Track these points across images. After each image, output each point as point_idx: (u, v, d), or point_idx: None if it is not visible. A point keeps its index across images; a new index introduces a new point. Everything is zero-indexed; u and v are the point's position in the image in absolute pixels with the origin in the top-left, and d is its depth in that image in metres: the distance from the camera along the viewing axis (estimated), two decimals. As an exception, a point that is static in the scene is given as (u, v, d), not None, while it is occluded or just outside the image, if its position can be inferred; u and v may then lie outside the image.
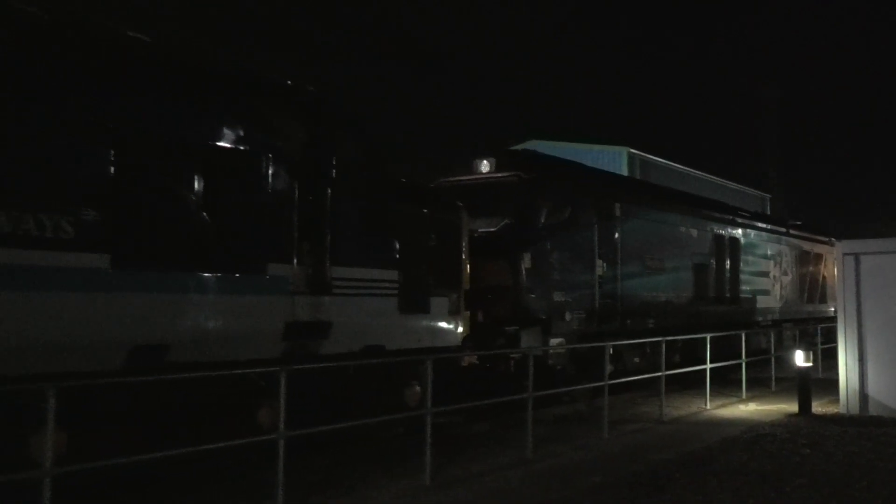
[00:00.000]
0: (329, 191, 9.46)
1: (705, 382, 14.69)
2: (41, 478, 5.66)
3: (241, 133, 8.56)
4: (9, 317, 6.49)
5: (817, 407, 14.10)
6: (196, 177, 8.01)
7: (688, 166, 44.33)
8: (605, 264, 15.28)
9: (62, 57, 7.24)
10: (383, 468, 9.00)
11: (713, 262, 19.77)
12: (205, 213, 8.05)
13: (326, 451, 9.49)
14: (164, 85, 8.03)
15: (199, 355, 7.90)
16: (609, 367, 12.25)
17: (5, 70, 6.74)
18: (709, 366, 14.77)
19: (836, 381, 14.19)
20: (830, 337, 16.78)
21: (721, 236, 20.25)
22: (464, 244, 11.76)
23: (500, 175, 14.27)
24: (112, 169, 7.27)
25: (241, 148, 8.54)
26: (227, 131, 8.45)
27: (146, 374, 7.27)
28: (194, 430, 7.66)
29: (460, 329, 11.55)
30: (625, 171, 36.66)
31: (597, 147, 39.02)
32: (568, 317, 14.24)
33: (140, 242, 7.49)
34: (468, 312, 11.82)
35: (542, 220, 14.06)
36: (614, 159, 37.79)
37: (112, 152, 7.27)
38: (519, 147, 32.81)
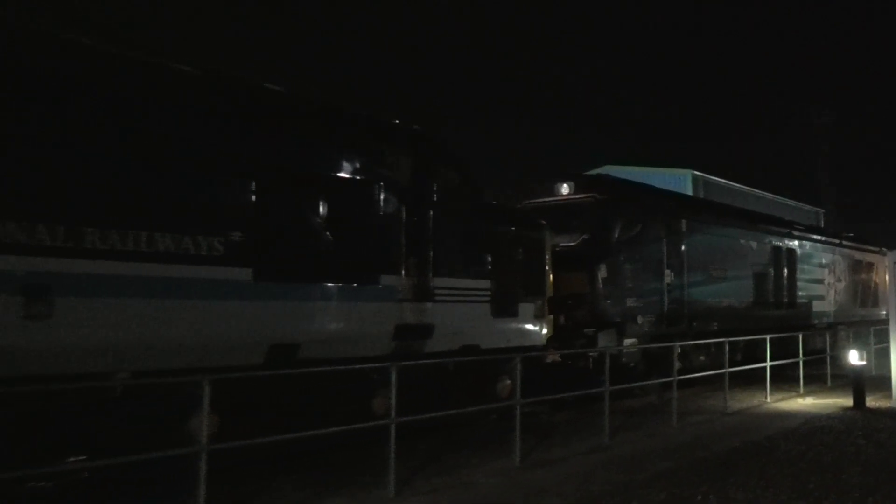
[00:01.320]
0: (431, 213, 9.55)
1: (765, 379, 14.09)
2: (199, 452, 5.87)
3: (358, 165, 8.76)
4: (175, 320, 6.81)
5: (871, 401, 13.29)
6: (322, 203, 8.23)
7: (747, 185, 42.71)
8: (672, 273, 14.95)
9: (212, 105, 7.59)
10: (478, 451, 8.96)
11: (772, 270, 19.02)
12: (328, 233, 8.26)
13: (430, 436, 9.53)
14: (294, 127, 8.30)
15: (323, 353, 8.08)
16: (677, 365, 11.92)
17: (173, 118, 7.11)
18: (769, 363, 14.18)
19: (888, 378, 13.42)
20: (882, 337, 15.87)
21: (778, 247, 19.47)
22: (547, 257, 11.67)
23: (577, 196, 14.12)
24: (253, 198, 7.56)
25: (358, 178, 8.74)
26: (346, 164, 8.67)
27: (282, 369, 7.47)
28: (320, 416, 7.82)
29: (545, 331, 11.43)
30: (689, 192, 35.60)
31: (664, 170, 38.00)
32: (640, 320, 13.98)
33: (276, 259, 7.74)
34: (551, 316, 11.69)
35: (616, 236, 13.88)
36: (680, 181, 36.72)
37: (253, 184, 7.57)
38: (594, 172, 32.31)
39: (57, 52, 6.55)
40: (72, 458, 6.48)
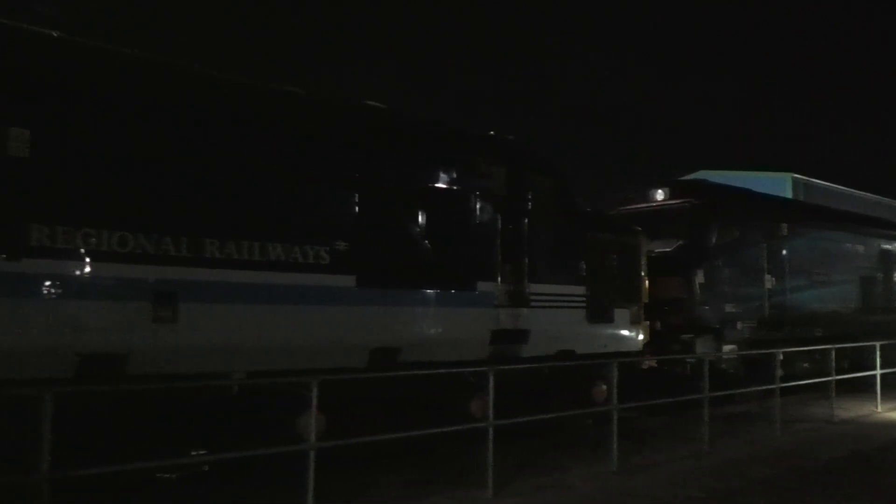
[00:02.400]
0: (525, 220, 9.52)
1: (874, 387, 13.19)
2: (308, 450, 6.05)
3: (454, 176, 8.85)
4: (286, 325, 7.08)
5: None
6: (420, 213, 8.37)
7: (851, 187, 40.22)
8: (773, 278, 14.28)
9: (319, 125, 7.87)
10: (574, 455, 8.82)
11: (879, 274, 17.82)
12: (427, 242, 8.37)
13: (526, 439, 9.45)
14: (393, 142, 8.47)
15: (422, 357, 8.17)
16: (779, 372, 11.35)
17: (286, 138, 7.43)
18: (878, 371, 13.27)
19: None
20: None
21: (887, 251, 18.22)
22: (642, 263, 11.39)
23: (673, 202, 13.71)
24: (357, 210, 7.78)
25: (455, 188, 8.82)
26: (443, 176, 8.77)
27: (383, 371, 7.61)
28: (419, 417, 7.90)
29: (641, 336, 11.14)
30: (789, 195, 33.86)
31: (761, 174, 36.30)
32: (739, 326, 13.41)
33: (378, 266, 7.91)
34: (647, 322, 11.39)
35: (713, 241, 13.38)
36: (779, 185, 34.97)
37: (357, 197, 7.78)
38: (689, 177, 31.25)
39: (185, 82, 7.00)
40: (193, 452, 6.82)
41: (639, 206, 13.83)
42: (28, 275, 5.73)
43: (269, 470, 7.04)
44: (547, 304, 9.64)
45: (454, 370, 7.99)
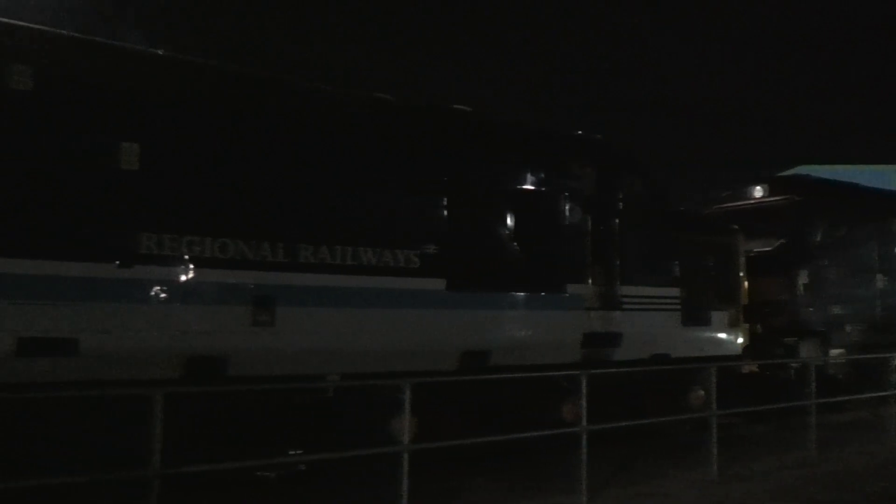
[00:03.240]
0: (616, 221, 9.36)
1: None
2: (401, 452, 6.14)
3: (543, 178, 8.81)
4: (378, 328, 7.23)
5: None
6: (510, 216, 8.38)
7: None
8: (885, 278, 13.42)
9: (410, 130, 8.01)
10: (671, 462, 8.58)
11: None
12: (516, 245, 8.37)
13: (619, 445, 9.26)
14: (481, 145, 8.51)
15: (513, 360, 8.16)
16: (894, 377, 10.67)
17: (379, 144, 7.60)
18: None
19: None
20: None
21: None
22: (740, 263, 10.98)
23: (772, 199, 13.11)
24: (446, 213, 7.87)
25: (544, 190, 8.78)
26: (531, 177, 8.75)
27: (474, 375, 7.65)
28: (510, 421, 7.88)
29: (740, 340, 10.73)
30: (901, 188, 31.75)
31: (868, 167, 34.26)
32: (848, 328, 12.69)
33: (468, 270, 7.96)
34: (747, 325, 10.96)
35: (817, 239, 12.71)
36: (890, 178, 32.93)
37: (446, 201, 7.88)
38: (789, 173, 29.83)
39: (281, 94, 7.33)
40: (291, 452, 7.04)
41: (735, 203, 13.32)
42: (139, 281, 6.09)
43: (362, 471, 7.18)
44: (640, 306, 9.43)
45: (546, 373, 7.93)
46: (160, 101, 6.44)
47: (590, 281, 8.95)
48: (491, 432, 6.98)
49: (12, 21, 6.07)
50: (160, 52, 6.77)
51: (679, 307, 9.87)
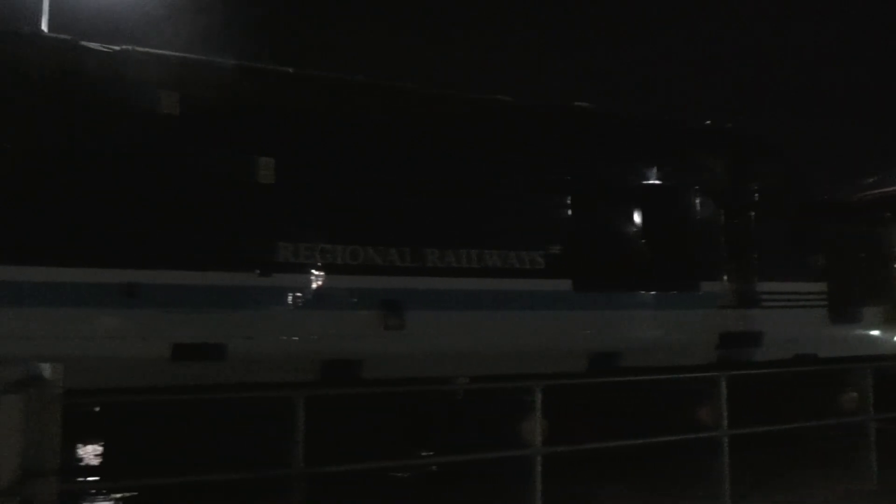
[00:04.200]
0: (753, 213, 8.92)
1: None
2: (533, 455, 6.13)
3: (672, 171, 8.55)
4: (504, 330, 7.26)
5: None
6: (636, 212, 8.19)
7: None
8: None
9: (532, 129, 8.01)
10: (821, 470, 8.05)
11: None
12: (643, 241, 8.16)
13: (761, 450, 8.79)
14: (607, 140, 8.36)
15: (644, 361, 7.94)
16: None
17: (501, 145, 7.65)
18: None
19: None
20: None
21: None
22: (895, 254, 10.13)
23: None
24: (571, 212, 7.80)
25: (673, 184, 8.51)
26: (658, 171, 8.51)
27: (603, 377, 7.52)
28: (642, 425, 7.68)
29: (896, 338, 9.92)
30: None
31: None
32: None
33: (594, 269, 7.84)
34: (905, 321, 10.09)
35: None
36: None
37: (570, 199, 7.80)
38: (948, 151, 27.15)
39: (405, 102, 7.57)
40: (423, 453, 7.21)
41: (889, 189, 12.32)
42: (277, 288, 6.44)
43: (494, 473, 7.22)
44: (781, 303, 8.92)
45: (681, 375, 7.66)
46: (291, 116, 6.79)
47: (725, 278, 8.56)
48: (623, 436, 6.83)
49: (160, 51, 6.60)
50: (290, 70, 7.13)
51: (826, 303, 9.25)
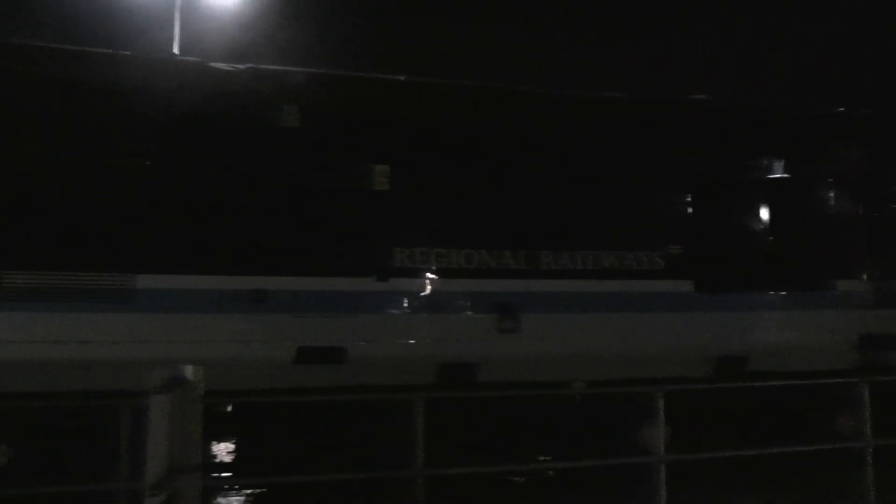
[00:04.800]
0: (893, 206, 8.29)
1: None
2: (657, 462, 5.95)
3: (802, 163, 8.11)
4: (621, 333, 7.11)
5: None
6: (765, 208, 7.83)
7: None
8: None
9: (652, 127, 7.81)
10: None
11: None
12: (773, 239, 7.78)
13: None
14: (729, 135, 8.02)
15: (774, 366, 7.55)
16: None
17: (617, 146, 7.51)
18: None
19: None
20: None
21: None
22: None
23: None
24: (691, 210, 7.55)
25: (803, 177, 8.07)
26: (788, 164, 8.09)
27: (730, 382, 7.21)
28: (771, 433, 7.31)
29: None
30: None
31: None
32: None
33: (718, 269, 7.54)
34: None
35: None
36: None
37: (692, 197, 7.55)
38: None
39: (518, 105, 7.56)
40: (540, 458, 7.15)
41: None
42: (394, 293, 6.60)
43: (612, 480, 7.07)
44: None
45: (815, 381, 7.23)
46: (403, 124, 6.95)
47: (865, 276, 8.01)
48: (749, 445, 6.52)
49: (279, 67, 6.94)
50: (401, 77, 7.30)
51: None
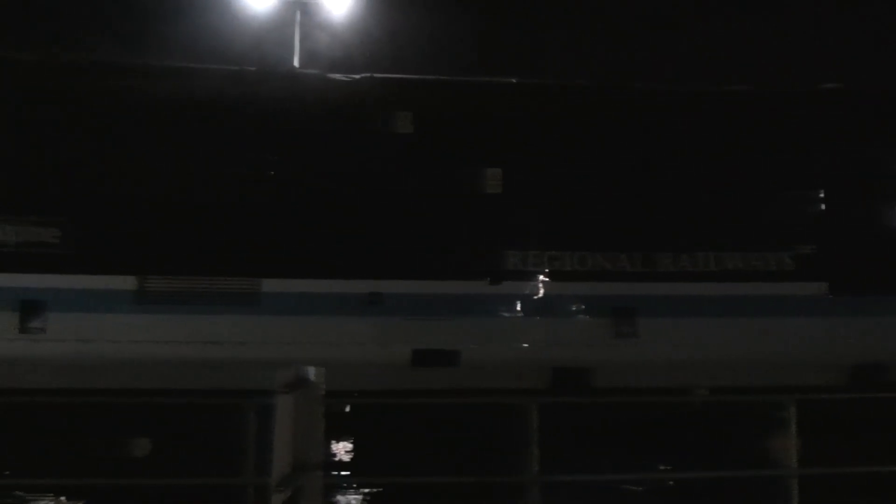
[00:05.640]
0: None
1: None
2: (789, 476, 5.62)
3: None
4: (746, 337, 6.75)
5: None
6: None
7: None
8: None
9: (774, 120, 7.40)
10: None
11: None
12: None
13: None
14: (862, 121, 7.45)
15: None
16: None
17: (724, 142, 7.17)
18: None
19: None
20: None
21: None
22: None
23: None
24: (823, 208, 7.09)
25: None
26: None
27: (867, 392, 6.71)
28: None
29: None
30: None
31: None
32: None
33: (854, 270, 7.03)
34: None
35: None
36: None
37: (822, 194, 7.09)
38: None
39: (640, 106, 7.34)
40: (661, 467, 6.90)
41: None
42: (507, 296, 6.56)
43: (736, 492, 6.73)
44: None
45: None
46: (514, 126, 6.91)
47: None
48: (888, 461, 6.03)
49: (394, 75, 7.09)
50: (512, 80, 7.27)
51: None
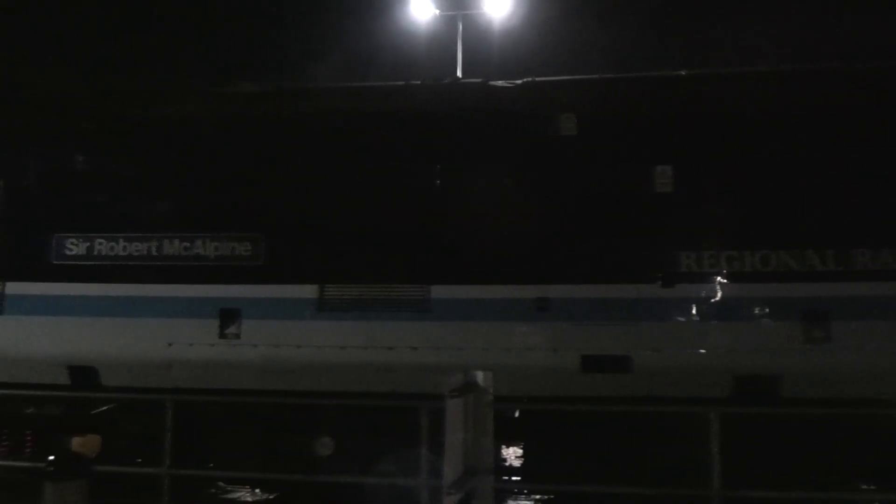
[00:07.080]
0: None
1: None
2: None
3: None
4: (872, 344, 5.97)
5: None
6: None
7: None
8: None
9: None
10: None
11: None
12: None
13: None
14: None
15: None
16: None
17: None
18: None
19: None
20: None
21: None
22: None
23: None
24: None
25: None
26: None
27: None
28: None
29: None
30: None
31: None
32: None
33: None
34: None
35: None
36: None
37: None
38: None
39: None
40: (862, 486, 6.24)
41: None
42: (681, 299, 6.22)
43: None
44: None
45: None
46: (684, 121, 6.55)
47: None
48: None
49: (555, 78, 6.99)
50: (683, 72, 6.90)
51: None
